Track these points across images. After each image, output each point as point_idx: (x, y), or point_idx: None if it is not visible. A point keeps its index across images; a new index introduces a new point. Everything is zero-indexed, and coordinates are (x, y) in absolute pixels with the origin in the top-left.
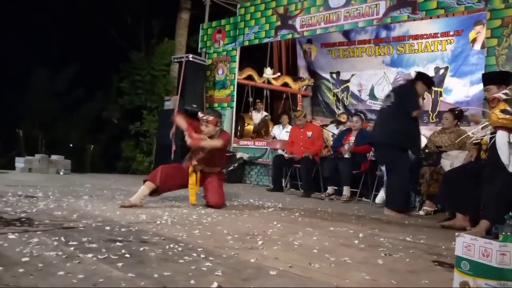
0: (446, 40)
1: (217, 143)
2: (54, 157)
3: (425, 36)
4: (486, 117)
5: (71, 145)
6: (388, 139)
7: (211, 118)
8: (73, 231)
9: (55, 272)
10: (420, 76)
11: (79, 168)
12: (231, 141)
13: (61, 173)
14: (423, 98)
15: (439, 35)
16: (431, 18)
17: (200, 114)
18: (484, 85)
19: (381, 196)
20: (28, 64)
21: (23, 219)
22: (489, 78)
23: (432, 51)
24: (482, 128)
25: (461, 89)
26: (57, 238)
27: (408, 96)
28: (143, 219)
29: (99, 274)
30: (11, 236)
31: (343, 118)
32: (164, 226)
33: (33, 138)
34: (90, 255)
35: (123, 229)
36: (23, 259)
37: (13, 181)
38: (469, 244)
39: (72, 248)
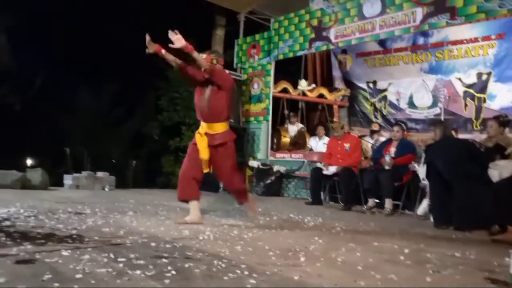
0: (488, 44)
1: (204, 63)
2: (99, 173)
3: (465, 41)
4: None
5: (113, 161)
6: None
7: (204, 55)
8: (121, 248)
9: None
10: (498, 150)
11: (122, 184)
12: (234, 88)
13: (106, 189)
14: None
15: (479, 39)
16: (470, 23)
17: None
18: None
19: (422, 207)
20: (72, 85)
21: (74, 236)
22: None
23: (473, 56)
24: None
25: (506, 95)
26: (106, 254)
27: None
28: (186, 234)
29: None
30: (64, 253)
31: (374, 127)
32: (206, 242)
33: (78, 155)
34: (138, 272)
35: (167, 245)
36: (77, 276)
37: (62, 198)
38: None
39: (121, 265)
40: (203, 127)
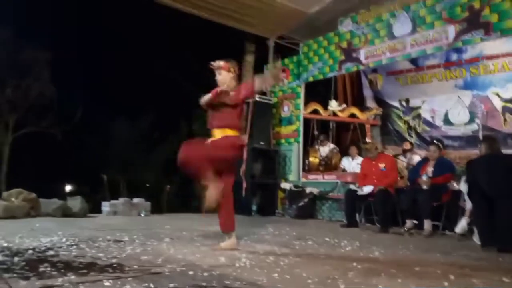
0: None
1: (227, 93)
2: (135, 200)
3: (501, 55)
4: None
5: (147, 185)
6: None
7: (222, 63)
8: (160, 277)
9: None
10: None
11: (157, 209)
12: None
13: (142, 214)
14: None
15: None
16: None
17: (211, 62)
18: None
19: (461, 225)
20: (109, 115)
21: (114, 265)
22: None
23: (510, 70)
24: None
25: None
26: (146, 284)
27: None
28: (223, 262)
29: None
30: (106, 283)
31: (406, 146)
32: (243, 270)
33: (115, 182)
34: None
35: (205, 274)
36: None
37: (101, 225)
38: None
39: None
40: (215, 133)
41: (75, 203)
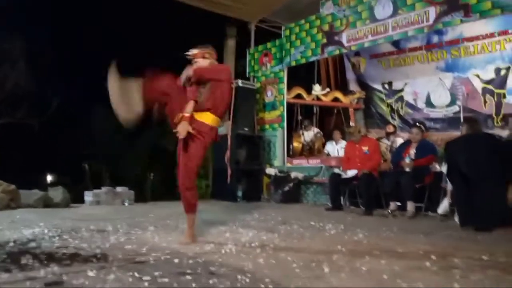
0: (505, 39)
1: (188, 72)
2: (118, 189)
3: (481, 37)
4: None
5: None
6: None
7: (195, 51)
8: (145, 266)
9: None
10: None
11: (140, 198)
12: (232, 77)
13: (126, 203)
14: None
15: (496, 34)
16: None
17: (185, 53)
18: None
19: (443, 206)
20: (88, 103)
21: (98, 255)
22: None
23: (490, 51)
24: None
25: None
26: (131, 273)
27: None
28: (208, 249)
29: None
30: (90, 274)
31: (389, 128)
32: (229, 256)
33: (97, 171)
34: None
35: (190, 261)
36: None
37: (84, 215)
38: None
39: (146, 284)
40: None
41: (57, 193)
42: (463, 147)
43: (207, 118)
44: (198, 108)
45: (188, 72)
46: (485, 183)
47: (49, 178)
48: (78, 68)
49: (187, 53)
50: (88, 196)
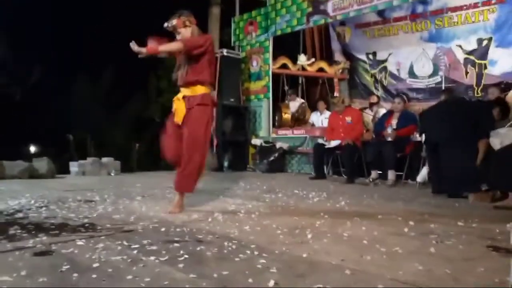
0: (488, 9)
1: (176, 45)
2: (104, 159)
3: (465, 7)
4: None
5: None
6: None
7: (174, 21)
8: (133, 234)
9: (124, 276)
10: (499, 102)
11: (127, 168)
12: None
13: (112, 174)
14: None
15: (479, 4)
16: None
17: (164, 25)
18: None
19: (422, 175)
20: (70, 71)
21: (86, 225)
22: None
23: (473, 22)
24: None
25: (507, 60)
26: (120, 242)
27: (488, 122)
28: (195, 217)
29: (163, 276)
30: (79, 243)
31: (373, 99)
32: (216, 224)
33: (82, 141)
34: (152, 258)
35: (178, 229)
36: (94, 265)
37: (70, 186)
38: None
39: (135, 252)
40: (182, 91)
41: (42, 164)
42: (435, 115)
43: (203, 90)
44: (187, 83)
45: (179, 46)
46: (454, 149)
47: (32, 149)
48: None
49: (166, 24)
50: (74, 166)
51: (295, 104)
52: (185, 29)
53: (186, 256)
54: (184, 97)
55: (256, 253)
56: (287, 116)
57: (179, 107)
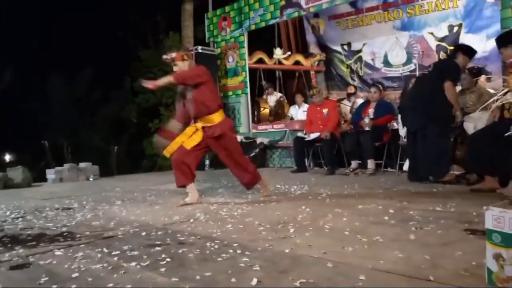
0: None
1: (168, 79)
2: (82, 164)
3: None
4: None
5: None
6: (420, 103)
7: (174, 55)
8: (114, 240)
9: (105, 284)
10: (459, 47)
11: (106, 172)
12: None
13: (91, 179)
14: (464, 70)
15: None
16: None
17: (163, 57)
18: (499, 48)
19: (407, 163)
20: (44, 74)
21: (65, 234)
22: (501, 40)
23: (443, 9)
24: (504, 94)
25: (477, 45)
26: (100, 249)
27: (449, 67)
28: (177, 219)
29: (145, 282)
30: (57, 253)
31: (350, 89)
32: (197, 224)
33: (58, 147)
34: (133, 264)
35: (159, 232)
36: (73, 275)
37: (48, 194)
38: (498, 217)
39: (115, 258)
40: (199, 122)
41: (17, 173)
42: (406, 104)
43: (217, 118)
44: (199, 115)
45: (170, 79)
46: (429, 134)
47: (7, 157)
48: (31, 39)
49: (165, 57)
50: (51, 173)
51: (273, 98)
52: (182, 63)
53: (168, 259)
54: (203, 128)
55: (239, 251)
56: (265, 111)
57: (194, 138)
